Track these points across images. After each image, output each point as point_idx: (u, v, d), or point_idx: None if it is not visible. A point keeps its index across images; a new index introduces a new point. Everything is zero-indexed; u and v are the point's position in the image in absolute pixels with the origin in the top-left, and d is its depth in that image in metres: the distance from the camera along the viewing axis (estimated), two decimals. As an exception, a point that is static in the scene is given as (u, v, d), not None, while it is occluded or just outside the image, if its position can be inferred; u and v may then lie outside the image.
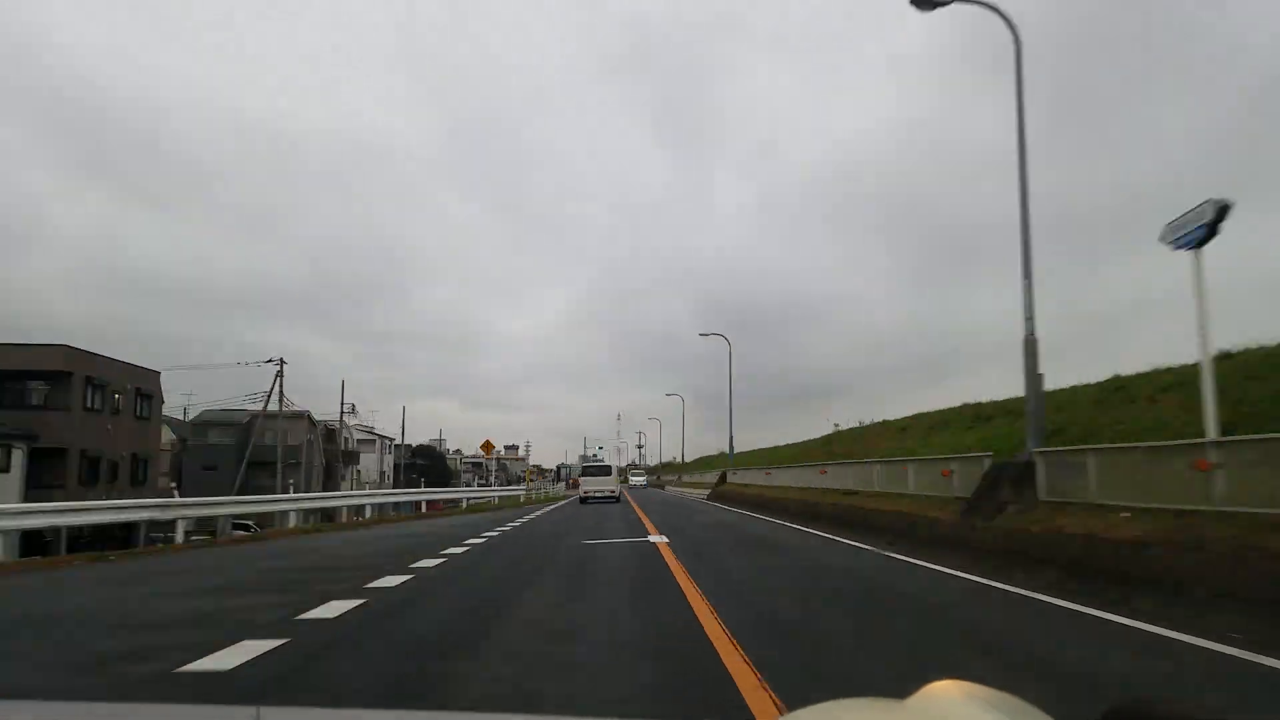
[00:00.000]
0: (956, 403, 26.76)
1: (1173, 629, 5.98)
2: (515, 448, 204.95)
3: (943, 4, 14.82)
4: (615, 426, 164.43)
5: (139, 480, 41.42)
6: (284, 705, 4.14)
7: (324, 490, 54.06)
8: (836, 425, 40.84)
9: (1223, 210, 9.45)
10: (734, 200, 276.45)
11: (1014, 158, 14.39)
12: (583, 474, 42.44)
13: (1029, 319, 13.79)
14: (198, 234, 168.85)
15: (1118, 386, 17.47)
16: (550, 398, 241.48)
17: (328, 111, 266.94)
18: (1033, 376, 13.65)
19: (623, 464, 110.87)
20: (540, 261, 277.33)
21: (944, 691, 1.02)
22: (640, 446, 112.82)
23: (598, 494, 37.26)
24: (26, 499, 28.78)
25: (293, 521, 22.31)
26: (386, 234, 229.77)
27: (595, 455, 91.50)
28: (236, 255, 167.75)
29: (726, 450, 52.70)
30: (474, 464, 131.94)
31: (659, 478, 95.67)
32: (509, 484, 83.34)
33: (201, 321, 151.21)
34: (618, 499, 37.60)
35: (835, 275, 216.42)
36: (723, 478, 46.39)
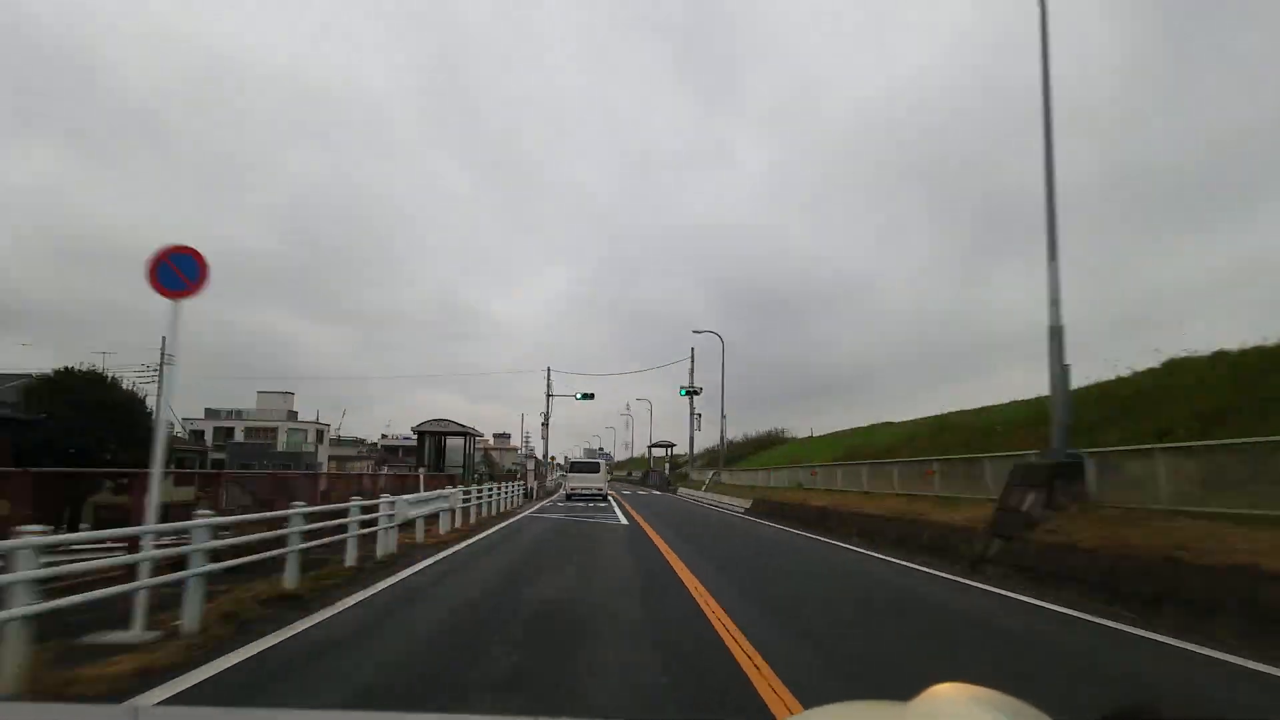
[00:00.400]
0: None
1: None
2: (506, 436, 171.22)
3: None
4: (624, 418, 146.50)
5: None
6: (285, 707, 4.23)
7: None
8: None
9: None
10: (756, 164, 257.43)
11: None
12: (570, 470, 42.70)
13: (1054, 305, 12.55)
14: (149, 192, 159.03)
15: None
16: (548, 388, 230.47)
17: (293, 54, 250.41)
18: (1059, 369, 12.41)
19: (653, 455, 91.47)
20: (538, 241, 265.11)
21: (947, 694, 1.05)
22: (696, 415, 60.90)
23: (584, 491, 37.12)
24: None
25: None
26: (365, 202, 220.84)
27: (596, 449, 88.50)
28: (198, 219, 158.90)
29: (706, 449, 51.31)
30: (402, 448, 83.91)
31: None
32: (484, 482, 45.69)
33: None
34: (605, 497, 37.11)
35: (870, 253, 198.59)
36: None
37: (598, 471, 39.80)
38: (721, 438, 50.42)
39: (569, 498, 37.10)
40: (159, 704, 4.54)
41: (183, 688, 5.10)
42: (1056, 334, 12.50)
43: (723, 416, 48.49)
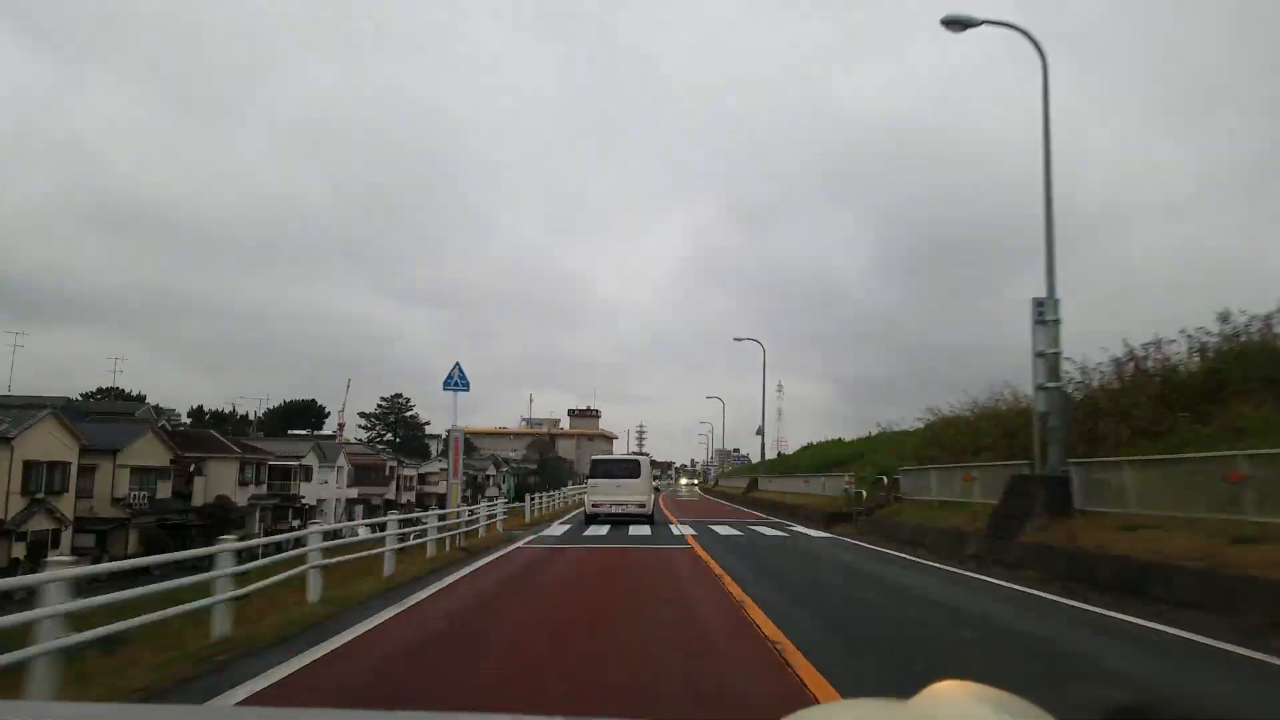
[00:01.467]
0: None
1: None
2: (593, 414, 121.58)
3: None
4: (775, 403, 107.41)
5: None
6: (285, 706, 4.29)
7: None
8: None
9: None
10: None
11: None
12: (592, 474, 25.86)
13: None
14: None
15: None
16: (667, 382, 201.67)
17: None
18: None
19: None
20: (644, 180, 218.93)
21: (948, 692, 1.04)
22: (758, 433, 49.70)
23: (616, 508, 23.97)
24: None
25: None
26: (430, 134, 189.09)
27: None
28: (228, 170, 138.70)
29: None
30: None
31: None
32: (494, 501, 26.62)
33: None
34: (650, 518, 24.25)
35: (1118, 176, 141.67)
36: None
37: (637, 477, 24.57)
38: (762, 448, 50.72)
39: (589, 520, 24.07)
40: (149, 703, 4.55)
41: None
42: None
43: (762, 425, 48.70)
